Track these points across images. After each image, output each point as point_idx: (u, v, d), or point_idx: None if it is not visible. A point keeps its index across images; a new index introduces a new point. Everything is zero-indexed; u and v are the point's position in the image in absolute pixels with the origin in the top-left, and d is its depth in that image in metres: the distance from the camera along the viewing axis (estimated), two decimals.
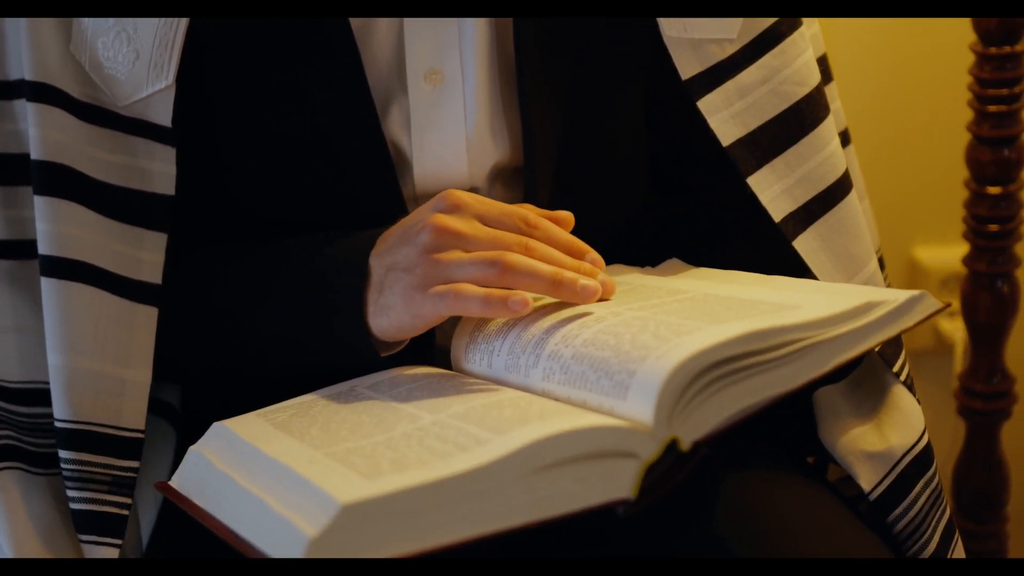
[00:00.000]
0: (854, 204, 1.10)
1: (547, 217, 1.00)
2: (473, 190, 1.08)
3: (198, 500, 0.89)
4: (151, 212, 1.04)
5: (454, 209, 0.97)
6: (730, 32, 1.07)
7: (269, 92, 1.05)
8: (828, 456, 1.07)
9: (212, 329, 1.07)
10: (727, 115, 1.07)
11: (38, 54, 1.02)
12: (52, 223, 1.01)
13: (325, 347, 1.01)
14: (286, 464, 0.83)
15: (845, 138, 1.20)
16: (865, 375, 1.06)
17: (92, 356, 1.01)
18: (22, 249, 1.06)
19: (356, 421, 0.89)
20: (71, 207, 1.01)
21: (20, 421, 1.05)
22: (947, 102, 1.53)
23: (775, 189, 1.07)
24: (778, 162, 1.08)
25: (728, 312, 0.90)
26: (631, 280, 1.04)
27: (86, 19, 1.03)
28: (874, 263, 1.10)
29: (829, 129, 1.10)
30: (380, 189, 1.05)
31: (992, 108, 1.36)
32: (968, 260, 1.41)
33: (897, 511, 1.01)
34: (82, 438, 1.01)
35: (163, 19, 1.02)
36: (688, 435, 0.83)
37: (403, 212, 1.05)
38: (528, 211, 0.99)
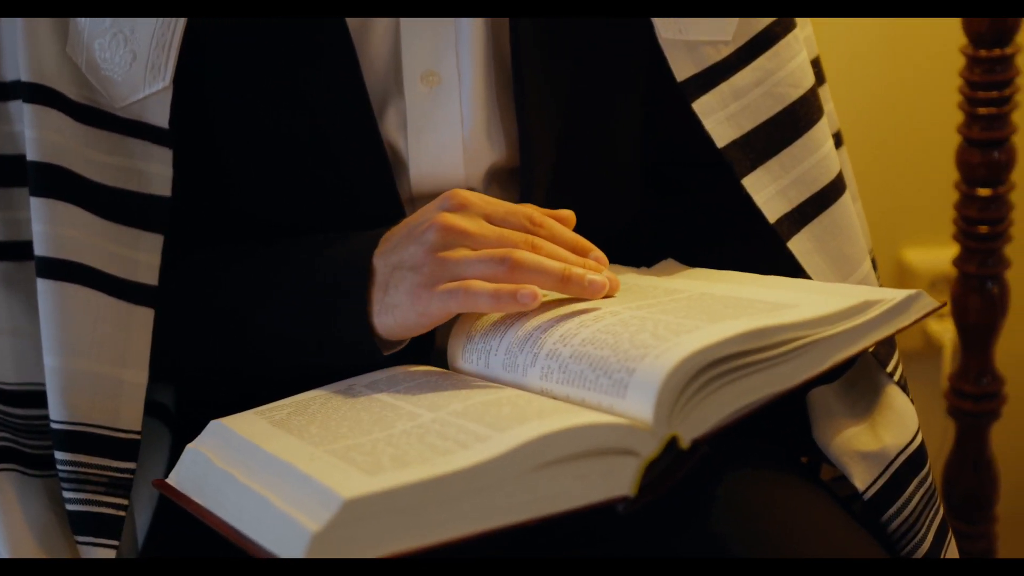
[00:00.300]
0: (848, 205, 1.11)
1: (550, 216, 1.00)
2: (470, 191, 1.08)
3: (197, 498, 0.89)
4: (148, 214, 1.04)
5: (460, 208, 0.98)
6: (725, 34, 1.08)
7: (266, 93, 1.05)
8: (821, 456, 1.08)
9: (212, 330, 1.07)
10: (722, 117, 1.08)
11: (34, 55, 1.02)
12: (48, 224, 1.01)
13: (328, 347, 1.01)
14: (286, 461, 0.83)
15: (838, 140, 1.20)
16: (859, 375, 1.06)
17: (88, 357, 1.01)
18: (18, 251, 1.06)
19: (355, 419, 0.89)
20: (68, 208, 1.01)
21: (16, 423, 1.05)
22: (937, 104, 1.54)
23: (770, 190, 1.08)
24: (773, 163, 1.08)
25: (725, 311, 0.90)
26: (627, 280, 1.04)
27: (83, 20, 1.03)
28: (868, 264, 1.11)
29: (823, 131, 1.11)
30: (377, 190, 1.06)
31: (982, 110, 1.37)
32: (958, 262, 1.42)
33: (891, 511, 1.02)
34: (78, 439, 1.01)
35: (160, 20, 1.02)
36: (688, 433, 0.83)
37: (400, 213, 1.05)
38: (533, 210, 0.99)
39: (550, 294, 0.97)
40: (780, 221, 1.07)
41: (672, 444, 0.83)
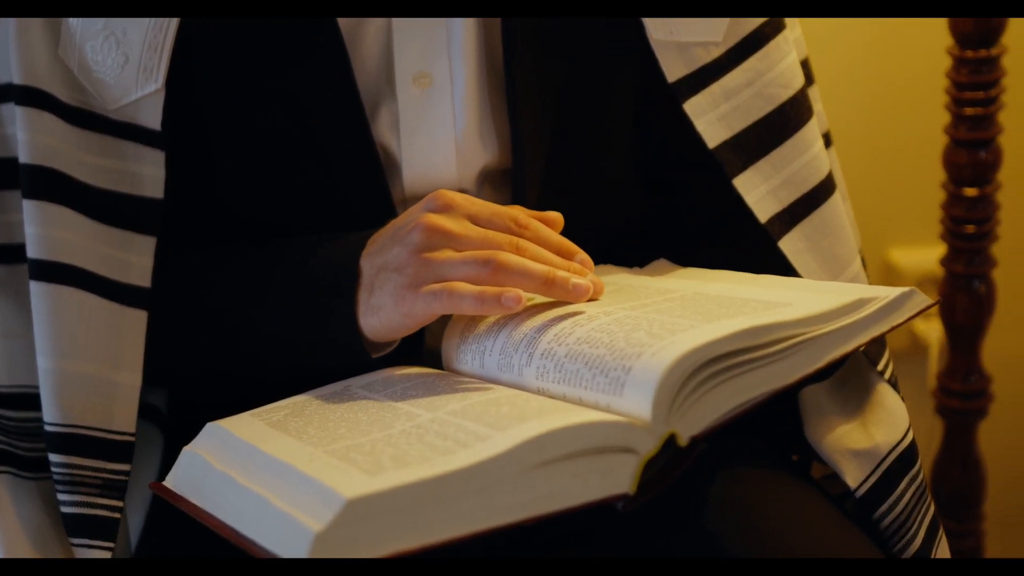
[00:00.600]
0: (838, 205, 1.11)
1: (537, 218, 1.00)
2: (462, 192, 1.08)
3: (195, 500, 0.89)
4: (140, 216, 1.04)
5: (445, 209, 0.98)
6: (715, 35, 1.08)
7: (258, 95, 1.05)
8: (812, 454, 1.08)
9: (205, 332, 1.07)
10: (713, 117, 1.08)
11: (26, 58, 1.02)
12: (41, 227, 1.01)
13: (318, 348, 1.01)
14: (286, 462, 0.83)
15: (828, 140, 1.21)
16: (850, 374, 1.07)
17: (82, 359, 1.01)
18: (9, 253, 1.06)
19: (353, 419, 0.89)
20: (60, 211, 1.01)
21: (9, 425, 1.04)
22: (924, 105, 1.55)
23: (760, 190, 1.08)
24: (763, 163, 1.09)
25: (720, 310, 0.91)
26: (620, 280, 1.05)
27: (74, 22, 1.03)
28: (858, 263, 1.12)
29: (813, 131, 1.11)
30: (369, 192, 1.06)
31: (969, 111, 1.38)
32: (945, 261, 1.43)
33: (883, 508, 1.02)
34: (72, 442, 1.01)
35: (152, 22, 1.02)
36: (685, 430, 0.84)
37: (392, 214, 1.05)
38: (518, 211, 0.99)
39: (537, 297, 0.97)
40: (771, 221, 1.08)
41: (670, 442, 0.83)
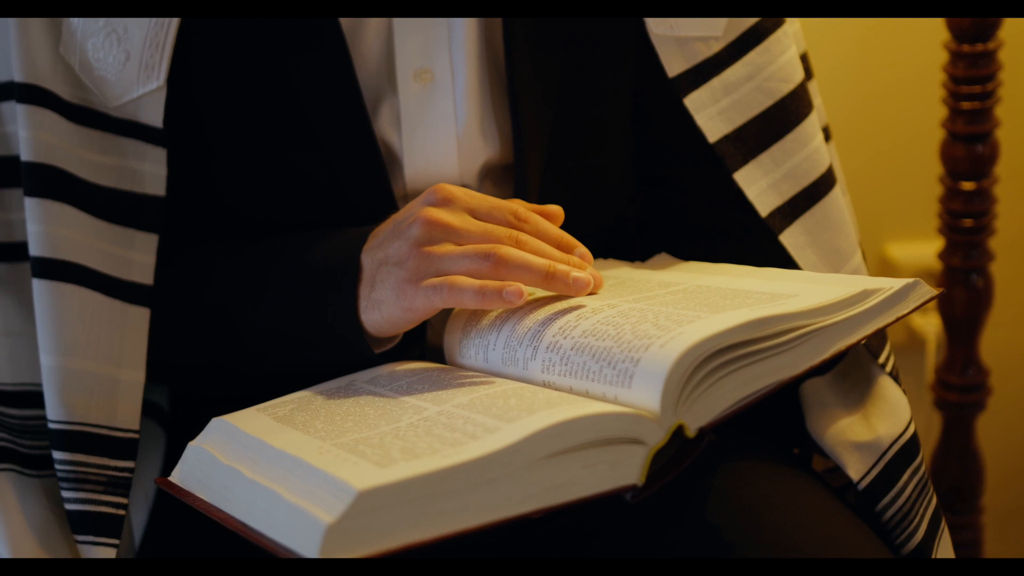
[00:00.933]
0: (839, 198, 1.12)
1: (537, 211, 1.00)
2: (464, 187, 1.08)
3: (202, 494, 0.89)
4: (142, 213, 1.04)
5: (444, 203, 0.98)
6: (715, 30, 1.09)
7: (259, 92, 1.05)
8: (813, 447, 1.09)
9: (207, 328, 1.07)
10: (713, 112, 1.08)
11: (27, 56, 1.02)
12: (43, 224, 1.01)
13: (320, 344, 1.01)
14: (295, 455, 0.83)
15: (827, 134, 1.21)
16: (851, 367, 1.07)
17: (85, 357, 1.01)
18: (11, 252, 1.06)
19: (360, 413, 0.89)
20: (62, 208, 1.01)
21: (12, 423, 1.04)
22: (921, 100, 1.55)
23: (761, 184, 1.08)
24: (764, 158, 1.09)
25: (725, 302, 0.91)
26: (622, 274, 1.05)
27: (76, 20, 1.03)
28: (859, 257, 1.12)
29: (813, 125, 1.11)
30: (371, 188, 1.06)
31: (966, 105, 1.38)
32: (943, 255, 1.43)
33: (885, 500, 1.03)
34: (76, 439, 1.01)
35: (154, 19, 1.02)
36: (693, 421, 0.84)
37: (394, 210, 1.05)
38: (518, 205, 0.99)
39: (538, 291, 0.97)
40: (772, 215, 1.08)
41: (678, 432, 0.84)
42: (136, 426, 1.03)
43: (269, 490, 0.82)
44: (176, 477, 0.93)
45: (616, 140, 1.13)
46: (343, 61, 1.04)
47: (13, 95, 1.03)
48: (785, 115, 1.10)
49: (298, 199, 1.07)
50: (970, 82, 1.37)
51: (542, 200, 1.04)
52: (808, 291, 0.91)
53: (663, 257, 1.10)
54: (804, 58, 1.18)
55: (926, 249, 1.56)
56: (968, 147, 1.39)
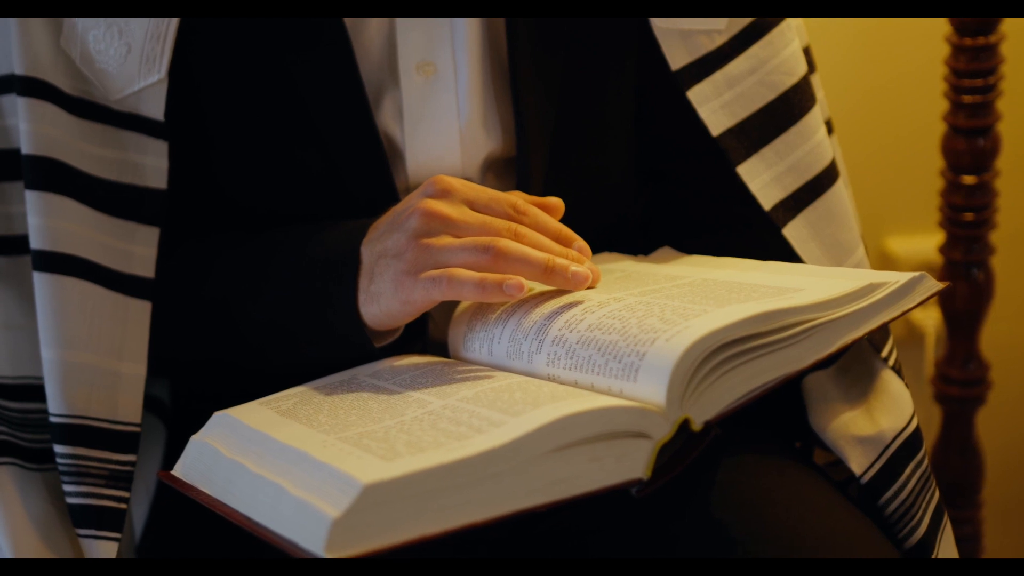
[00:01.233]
0: (842, 192, 1.11)
1: (537, 203, 1.00)
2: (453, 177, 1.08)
3: (206, 488, 0.89)
4: (143, 206, 1.04)
5: (443, 194, 0.97)
6: (719, 23, 1.08)
7: (261, 84, 1.05)
8: (814, 441, 1.08)
9: (207, 321, 1.07)
10: (716, 105, 1.08)
11: (28, 48, 1.02)
12: (44, 218, 1.01)
13: (320, 338, 1.01)
14: (299, 448, 0.83)
15: (829, 127, 1.21)
16: (853, 360, 1.07)
17: (86, 350, 1.01)
18: (11, 245, 1.06)
19: (364, 407, 0.89)
20: (63, 201, 1.01)
21: (12, 417, 1.04)
22: (922, 93, 1.55)
23: (764, 178, 1.08)
24: (767, 151, 1.09)
25: (731, 295, 0.91)
26: (626, 267, 1.05)
27: None
28: (862, 250, 1.12)
29: (816, 118, 1.11)
30: (373, 180, 1.06)
31: (967, 99, 1.38)
32: (944, 249, 1.43)
33: (888, 494, 1.02)
34: (78, 432, 1.00)
35: None
36: (699, 415, 0.84)
37: (396, 203, 1.05)
38: (517, 197, 0.99)
39: (537, 284, 0.97)
40: (775, 208, 1.08)
41: (684, 426, 0.83)
42: (138, 419, 1.02)
43: (274, 484, 0.82)
44: (179, 471, 0.93)
45: (619, 137, 1.12)
46: (345, 54, 1.03)
47: (14, 88, 1.02)
48: (788, 108, 1.10)
49: (299, 192, 1.07)
50: (972, 76, 1.37)
51: (545, 194, 1.04)
52: (814, 285, 0.91)
53: (666, 251, 1.10)
54: (807, 51, 1.18)
55: (926, 243, 1.56)
56: (969, 141, 1.39)
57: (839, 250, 1.10)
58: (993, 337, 1.50)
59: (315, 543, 0.76)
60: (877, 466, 1.03)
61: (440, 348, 1.04)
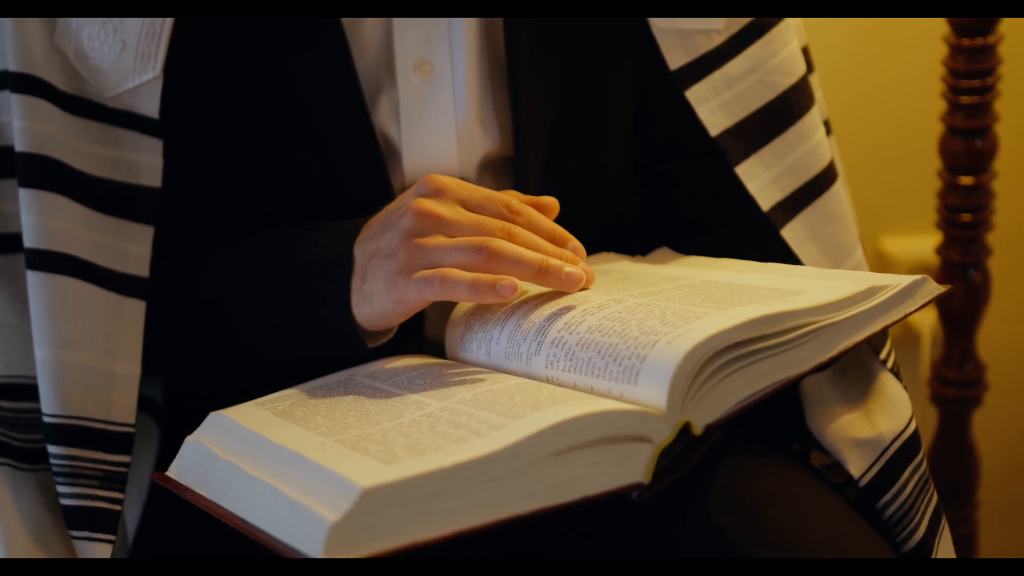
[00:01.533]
0: (840, 193, 1.11)
1: (531, 203, 0.99)
2: (462, 180, 1.07)
3: (201, 490, 0.88)
4: (137, 205, 1.03)
5: (436, 194, 0.96)
6: (717, 23, 1.08)
7: (257, 82, 1.04)
8: (812, 443, 1.08)
9: (201, 321, 1.06)
10: (715, 105, 1.08)
11: (22, 45, 1.01)
12: (38, 216, 1.00)
13: (314, 338, 1.00)
14: (296, 451, 0.82)
15: (827, 128, 1.21)
16: (852, 363, 1.07)
17: (79, 350, 1.00)
18: (3, 243, 1.05)
19: (361, 409, 0.88)
20: (57, 199, 1.00)
21: (6, 416, 1.03)
22: (920, 94, 1.54)
23: (763, 178, 1.08)
24: (766, 151, 1.08)
25: (732, 298, 0.90)
26: (625, 268, 1.04)
27: None
28: (859, 251, 1.12)
29: (815, 119, 1.11)
30: (369, 180, 1.05)
31: (965, 99, 1.37)
32: (941, 250, 1.43)
33: (886, 497, 1.02)
34: (72, 433, 1.00)
35: None
36: (700, 419, 0.83)
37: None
38: (511, 197, 0.98)
39: (533, 287, 0.96)
40: (773, 209, 1.07)
41: (685, 430, 0.83)
42: (132, 420, 1.02)
43: (270, 486, 0.81)
44: (173, 472, 0.92)
45: (617, 136, 1.12)
46: (342, 53, 1.03)
47: (7, 84, 1.01)
48: (787, 108, 1.09)
49: (296, 191, 1.06)
50: (969, 76, 1.36)
51: (542, 193, 1.03)
52: (816, 287, 0.90)
53: (664, 251, 1.09)
54: (805, 51, 1.17)
55: (922, 244, 1.55)
56: (967, 142, 1.38)
57: (837, 251, 1.09)
58: (990, 338, 1.49)
59: (313, 548, 0.75)
60: (875, 469, 1.02)
61: (436, 348, 1.04)
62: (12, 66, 1.01)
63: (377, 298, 0.96)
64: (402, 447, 0.80)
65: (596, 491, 0.80)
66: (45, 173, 1.00)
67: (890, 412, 1.04)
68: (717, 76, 1.08)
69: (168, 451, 1.11)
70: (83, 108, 1.03)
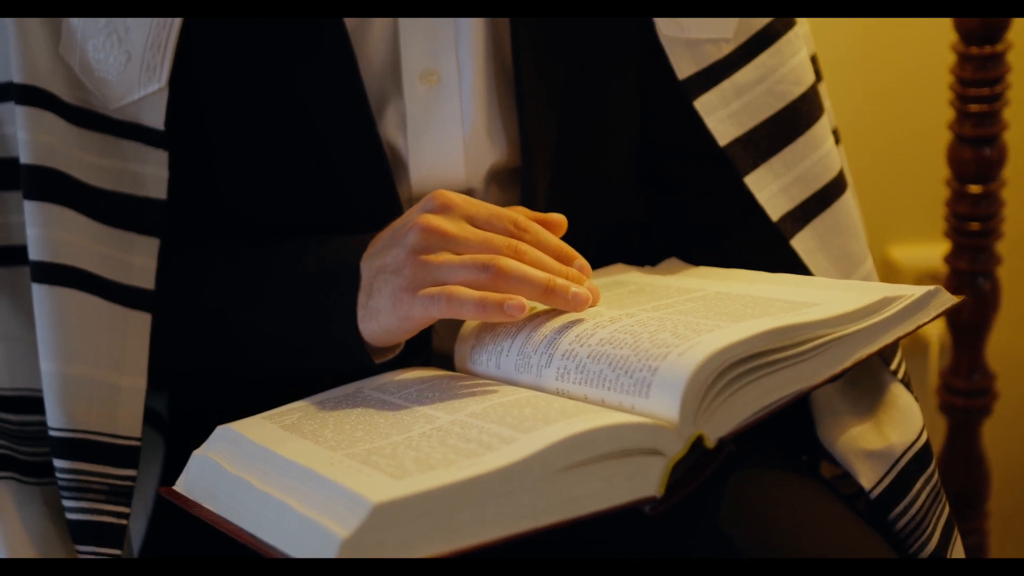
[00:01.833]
0: (850, 202, 1.11)
1: (539, 220, 0.99)
2: (469, 191, 1.07)
3: (209, 505, 0.87)
4: (142, 217, 1.02)
5: (443, 210, 0.96)
6: (726, 32, 1.08)
7: (263, 93, 1.04)
8: (821, 454, 1.07)
9: (205, 332, 1.05)
10: (724, 115, 1.07)
11: (27, 56, 1.01)
12: (43, 228, 0.99)
13: (318, 350, 1.00)
14: (305, 465, 0.81)
15: (836, 137, 1.20)
16: (862, 374, 1.06)
17: (85, 363, 0.99)
18: (8, 255, 1.05)
19: (371, 422, 0.88)
20: (62, 212, 1.00)
21: (11, 429, 1.03)
22: (928, 102, 1.54)
23: (772, 188, 1.07)
24: (775, 161, 1.08)
25: (745, 310, 0.89)
26: (636, 280, 1.03)
27: (76, 20, 1.01)
28: (870, 261, 1.11)
29: (824, 128, 1.11)
30: (376, 191, 1.04)
31: (973, 107, 1.37)
32: (950, 258, 1.43)
33: (898, 509, 1.01)
34: (78, 447, 0.99)
35: (155, 20, 1.01)
36: (713, 432, 0.83)
37: (399, 214, 1.03)
38: (518, 214, 0.98)
39: (538, 304, 0.96)
40: (783, 219, 1.07)
41: (698, 443, 0.82)
42: (138, 433, 1.01)
43: (280, 502, 0.80)
44: (180, 487, 0.92)
45: (621, 143, 1.11)
46: (348, 63, 1.02)
47: (12, 96, 1.01)
48: (796, 118, 1.09)
49: (301, 202, 1.06)
50: (978, 84, 1.36)
51: (549, 203, 1.03)
52: (828, 299, 0.90)
53: (673, 262, 1.09)
54: (814, 60, 1.17)
55: (931, 252, 1.55)
56: (975, 150, 1.38)
57: (847, 261, 1.09)
58: (998, 347, 1.49)
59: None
60: (887, 481, 1.02)
61: (444, 360, 1.03)
62: (17, 78, 1.01)
63: (383, 314, 0.95)
64: (413, 461, 0.79)
65: (608, 505, 0.80)
66: (50, 185, 1.00)
67: (901, 423, 1.03)
68: (726, 85, 1.08)
69: (172, 465, 1.10)
70: (88, 120, 1.02)
